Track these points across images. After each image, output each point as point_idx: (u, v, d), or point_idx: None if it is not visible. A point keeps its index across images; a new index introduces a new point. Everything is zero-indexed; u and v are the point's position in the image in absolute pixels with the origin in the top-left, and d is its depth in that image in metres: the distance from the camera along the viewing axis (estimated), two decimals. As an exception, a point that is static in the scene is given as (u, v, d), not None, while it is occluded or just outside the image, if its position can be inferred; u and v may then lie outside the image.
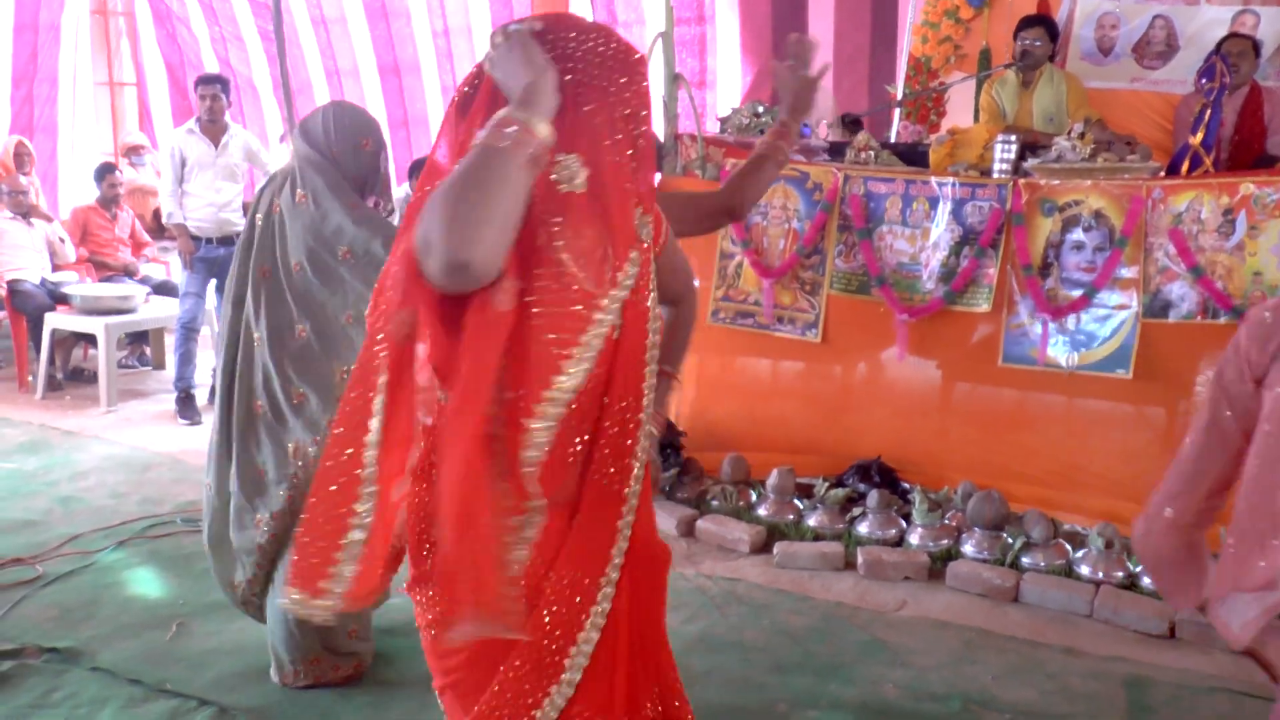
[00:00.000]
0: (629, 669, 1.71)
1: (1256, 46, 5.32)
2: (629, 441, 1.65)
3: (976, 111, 5.81)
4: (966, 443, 4.70)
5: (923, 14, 6.35)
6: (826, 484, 4.63)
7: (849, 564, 4.29)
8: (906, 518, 4.45)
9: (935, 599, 4.04)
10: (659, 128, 4.96)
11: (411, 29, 9.58)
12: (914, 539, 4.34)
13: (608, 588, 1.65)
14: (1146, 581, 3.99)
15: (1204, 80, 5.07)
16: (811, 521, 4.50)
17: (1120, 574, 4.06)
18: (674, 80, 5.13)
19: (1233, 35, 5.35)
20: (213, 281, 6.58)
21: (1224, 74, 5.01)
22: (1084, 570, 4.11)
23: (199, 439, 5.16)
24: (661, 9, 5.45)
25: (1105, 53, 5.92)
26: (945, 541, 4.30)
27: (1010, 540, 4.24)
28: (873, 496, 4.47)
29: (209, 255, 6.52)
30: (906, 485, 4.61)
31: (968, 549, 4.26)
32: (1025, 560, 4.17)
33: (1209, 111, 4.90)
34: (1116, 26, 5.88)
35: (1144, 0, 5.83)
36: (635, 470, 1.67)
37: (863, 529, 4.41)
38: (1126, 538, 4.19)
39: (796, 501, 4.61)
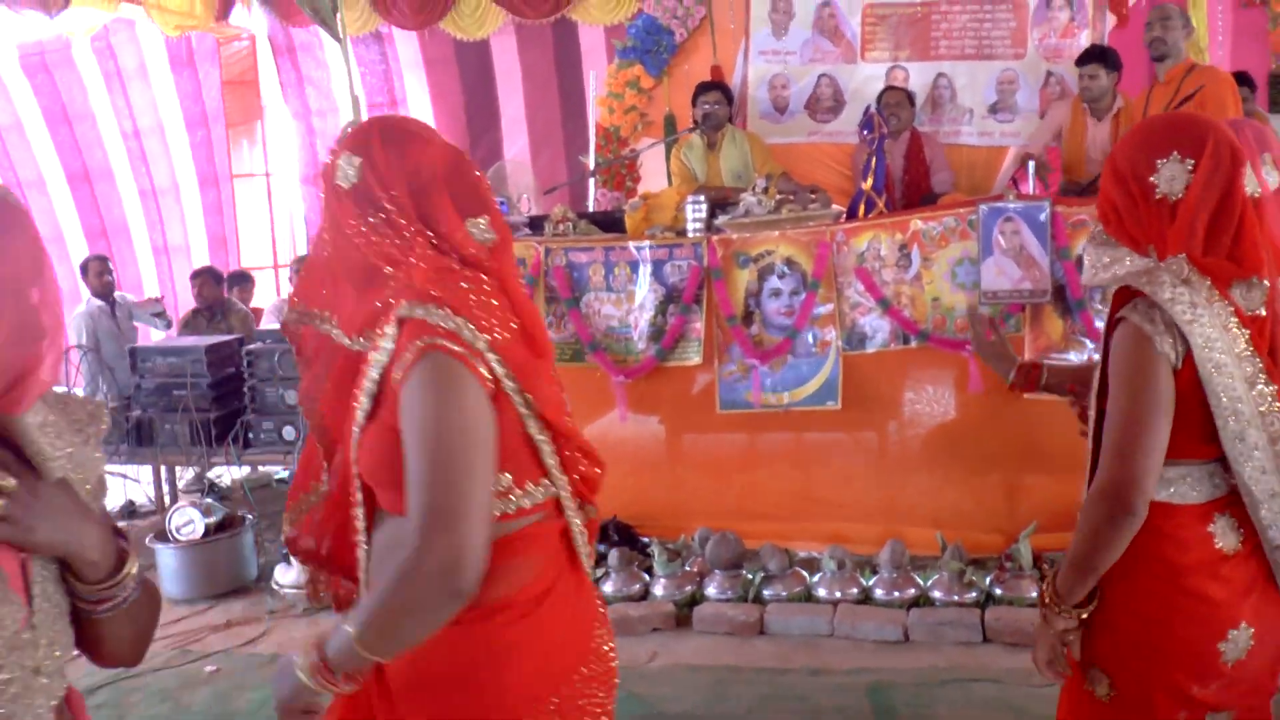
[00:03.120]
0: None
1: (910, 97, 5.87)
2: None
3: (669, 175, 6.09)
4: (698, 490, 4.89)
5: (606, 86, 6.63)
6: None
7: (599, 624, 4.36)
8: (649, 571, 4.58)
9: (685, 645, 4.17)
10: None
11: (98, 131, 9.13)
12: (658, 590, 4.46)
13: None
14: (879, 593, 4.29)
15: (865, 131, 5.56)
16: (559, 587, 4.54)
17: (854, 590, 4.33)
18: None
19: (889, 88, 5.88)
20: None
21: (881, 124, 5.51)
22: (821, 593, 4.36)
23: None
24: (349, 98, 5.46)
25: (781, 111, 6.36)
26: (689, 588, 4.44)
27: (750, 576, 4.44)
28: (613, 555, 4.55)
29: None
30: (645, 539, 4.73)
31: (711, 591, 4.42)
32: (767, 592, 4.38)
33: (874, 158, 5.37)
34: (787, 86, 6.34)
35: (808, 62, 6.31)
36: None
37: (607, 588, 4.47)
38: (857, 555, 4.49)
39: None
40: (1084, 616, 1.88)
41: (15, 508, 1.15)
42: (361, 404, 1.56)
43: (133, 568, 1.28)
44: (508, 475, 1.53)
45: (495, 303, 1.55)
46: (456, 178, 1.60)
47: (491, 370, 1.48)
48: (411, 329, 1.49)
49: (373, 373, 1.55)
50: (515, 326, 1.56)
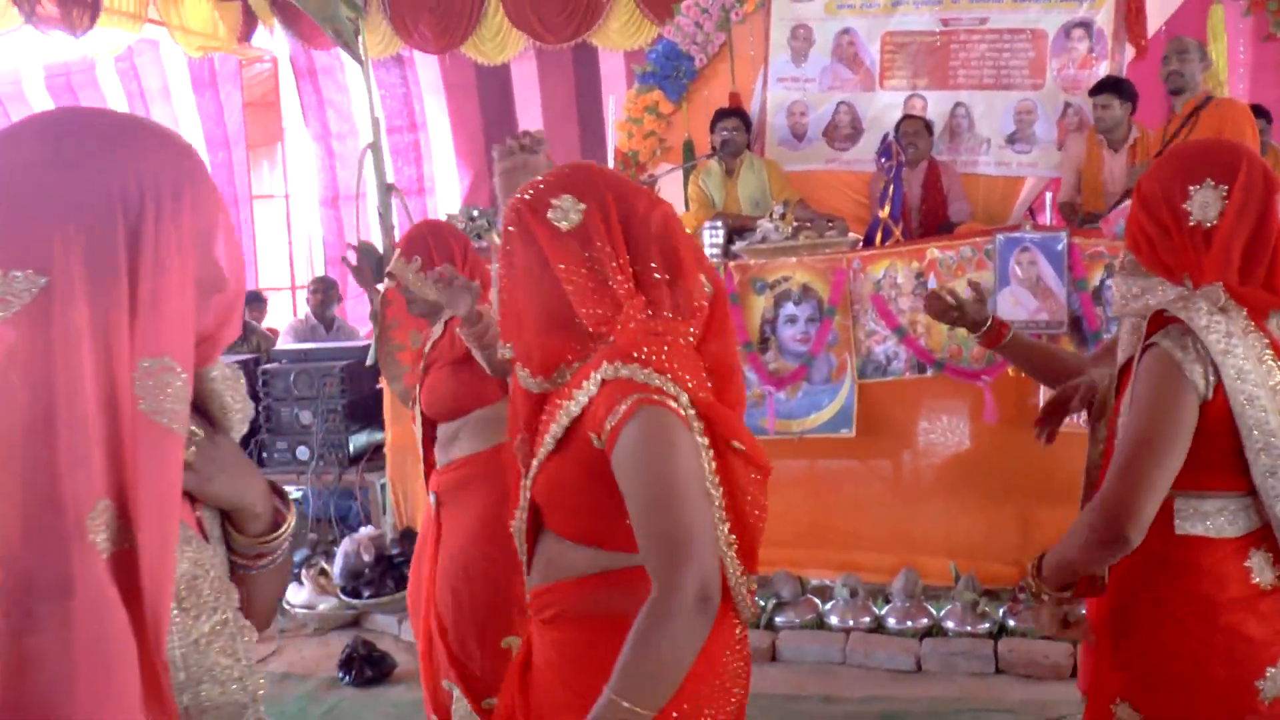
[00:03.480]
0: None
1: (929, 126, 5.88)
2: None
3: (686, 201, 6.11)
4: (712, 515, 4.87)
5: (625, 111, 6.65)
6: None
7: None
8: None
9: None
10: (376, 239, 4.98)
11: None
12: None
13: None
14: (892, 622, 4.26)
15: (883, 159, 5.57)
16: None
17: (867, 618, 4.31)
18: (387, 190, 5.17)
19: (907, 117, 5.89)
20: None
21: (899, 152, 5.52)
22: (834, 620, 4.33)
23: None
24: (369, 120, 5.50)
25: (799, 138, 6.38)
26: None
27: (763, 603, 4.42)
28: (629, 581, 4.53)
29: None
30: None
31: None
32: (779, 619, 4.36)
33: (891, 186, 5.38)
34: (806, 114, 6.36)
35: (826, 90, 6.34)
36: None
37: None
38: (870, 584, 4.46)
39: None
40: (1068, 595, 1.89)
41: (199, 457, 1.17)
42: (546, 443, 1.66)
43: (291, 520, 1.30)
44: None
45: (695, 362, 1.62)
46: (677, 234, 1.67)
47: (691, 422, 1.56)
48: (617, 387, 1.56)
49: (563, 419, 1.63)
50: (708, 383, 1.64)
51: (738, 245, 4.90)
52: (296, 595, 4.91)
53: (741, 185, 5.88)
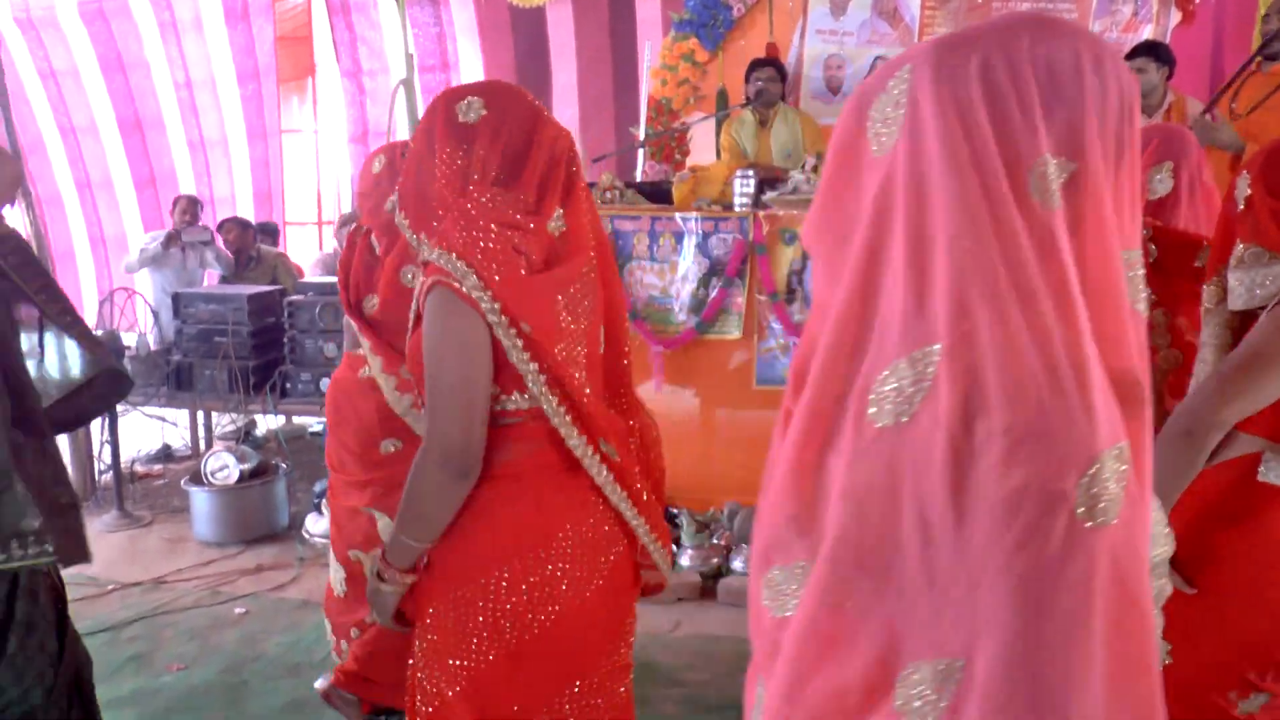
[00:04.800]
0: None
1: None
2: None
3: (718, 150, 6.07)
4: (730, 464, 4.89)
5: (660, 58, 6.59)
6: (598, 515, 4.71)
7: (626, 590, 4.39)
8: (676, 541, 4.60)
9: (709, 616, 4.19)
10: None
11: (152, 81, 9.22)
12: (684, 560, 4.48)
13: None
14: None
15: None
16: (588, 552, 4.57)
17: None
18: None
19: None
20: None
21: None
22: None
23: None
24: (404, 56, 5.47)
25: (834, 92, 6.32)
26: (715, 560, 4.46)
27: (775, 554, 4.43)
28: (642, 523, 4.57)
29: None
30: (674, 510, 4.74)
31: (737, 565, 4.43)
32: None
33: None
34: (842, 67, 6.30)
35: (864, 44, 6.27)
36: None
37: (635, 556, 4.50)
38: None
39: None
40: None
41: None
42: (410, 320, 1.88)
43: None
44: (496, 385, 1.79)
45: (513, 256, 1.77)
46: (561, 167, 1.83)
47: (481, 305, 1.72)
48: (429, 269, 1.76)
49: (418, 295, 1.81)
50: (524, 273, 1.78)
51: (769, 195, 4.87)
52: (316, 524, 4.97)
53: (774, 136, 5.84)
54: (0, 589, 2.08)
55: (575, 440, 1.83)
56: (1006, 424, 0.95)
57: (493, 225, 1.75)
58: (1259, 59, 4.99)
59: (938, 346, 0.98)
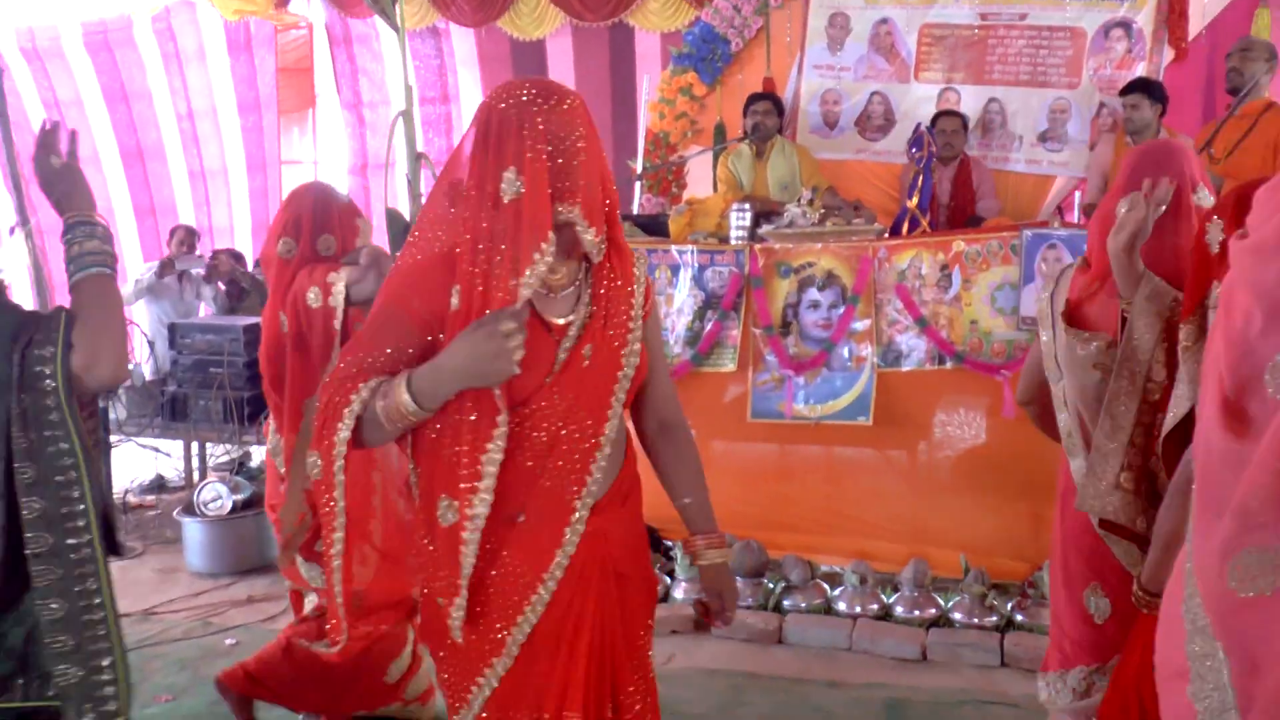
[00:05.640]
0: (585, 671, 1.88)
1: (965, 124, 5.84)
2: (581, 460, 1.87)
3: (715, 183, 6.09)
4: (725, 496, 4.79)
5: (659, 92, 6.64)
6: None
7: (619, 623, 4.36)
8: (671, 574, 4.58)
9: (703, 649, 4.17)
10: (404, 208, 4.98)
11: (154, 111, 9.28)
12: (678, 593, 4.46)
13: (550, 583, 1.86)
14: (900, 611, 4.27)
15: (914, 150, 5.55)
16: (582, 585, 4.55)
17: (875, 606, 4.30)
18: (417, 159, 5.18)
19: (945, 114, 5.84)
20: None
21: (931, 144, 5.49)
22: (841, 606, 4.33)
23: None
24: (404, 89, 5.49)
25: (831, 126, 6.36)
26: (710, 593, 4.43)
27: (771, 585, 4.43)
28: (637, 556, 4.55)
29: None
30: (669, 543, 4.73)
31: (732, 598, 4.39)
32: (786, 603, 4.36)
33: (921, 177, 5.36)
34: (839, 102, 6.34)
35: (861, 79, 6.31)
36: (588, 486, 1.87)
37: (630, 589, 4.47)
38: (879, 573, 4.46)
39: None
40: None
41: None
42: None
43: None
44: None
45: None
46: (513, 134, 1.75)
47: None
48: None
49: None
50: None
51: (764, 228, 4.89)
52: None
53: (771, 169, 5.86)
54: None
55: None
56: None
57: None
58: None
59: None
